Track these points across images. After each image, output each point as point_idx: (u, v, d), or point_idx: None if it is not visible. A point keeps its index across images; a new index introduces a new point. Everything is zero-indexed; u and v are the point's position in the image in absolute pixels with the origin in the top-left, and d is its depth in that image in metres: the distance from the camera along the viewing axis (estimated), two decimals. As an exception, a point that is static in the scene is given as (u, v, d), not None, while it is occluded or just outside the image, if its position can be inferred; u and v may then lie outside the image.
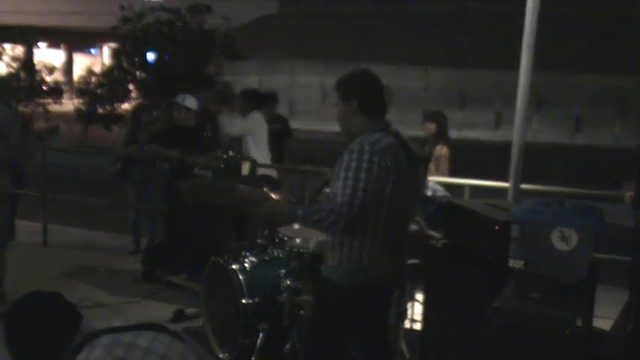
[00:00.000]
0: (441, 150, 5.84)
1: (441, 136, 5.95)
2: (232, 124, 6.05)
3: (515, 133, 4.77)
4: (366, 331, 2.96)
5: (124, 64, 13.97)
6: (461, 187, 5.68)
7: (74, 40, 30.48)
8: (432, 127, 5.96)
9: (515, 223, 2.32)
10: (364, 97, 2.83)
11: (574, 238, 2.17)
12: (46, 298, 2.35)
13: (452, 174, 5.83)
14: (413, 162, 2.86)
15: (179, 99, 5.64)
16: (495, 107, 19.56)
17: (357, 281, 2.77)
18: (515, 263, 2.28)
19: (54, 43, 29.73)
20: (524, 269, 2.25)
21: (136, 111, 6.82)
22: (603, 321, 3.16)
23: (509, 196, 4.76)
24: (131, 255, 6.34)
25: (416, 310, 4.42)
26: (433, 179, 4.37)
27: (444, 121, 6.13)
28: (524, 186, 4.90)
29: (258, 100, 6.25)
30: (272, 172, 6.28)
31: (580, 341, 2.01)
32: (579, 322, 2.00)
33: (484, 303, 2.39)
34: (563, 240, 2.18)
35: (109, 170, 6.52)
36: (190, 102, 5.62)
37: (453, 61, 21.52)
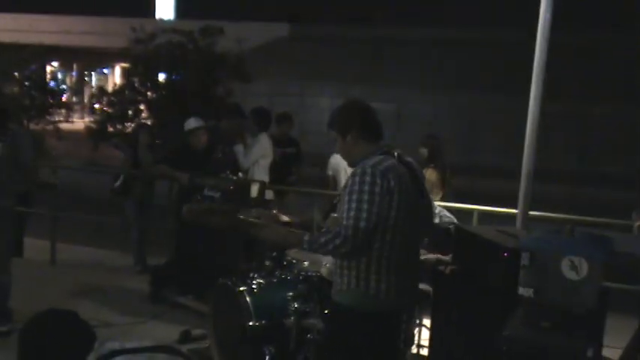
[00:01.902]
0: (430, 174, 5.70)
1: (431, 159, 5.85)
2: (245, 158, 5.90)
3: (524, 160, 4.78)
4: (377, 356, 2.89)
5: (136, 84, 14.09)
6: (470, 212, 5.68)
7: (87, 59, 30.83)
8: (424, 151, 5.89)
9: (526, 251, 2.32)
10: (362, 125, 2.89)
11: (584, 268, 2.16)
12: (61, 317, 2.37)
13: (451, 199, 5.76)
14: (419, 184, 2.86)
15: (186, 125, 5.73)
16: (505, 132, 19.59)
17: (365, 306, 2.76)
18: (524, 291, 2.27)
19: (66, 62, 30.06)
20: (534, 298, 2.25)
21: (135, 130, 6.91)
22: (613, 350, 3.14)
23: (518, 223, 4.76)
24: (138, 274, 6.36)
25: (423, 335, 4.41)
26: (439, 204, 4.36)
27: (435, 144, 6.03)
28: (532, 213, 4.90)
29: (268, 120, 6.24)
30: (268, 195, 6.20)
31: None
32: (590, 353, 1.99)
33: (492, 330, 2.38)
34: (574, 269, 2.18)
35: (110, 187, 6.59)
36: (195, 122, 5.73)
37: (464, 85, 21.61)
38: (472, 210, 5.69)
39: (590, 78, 19.95)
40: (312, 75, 22.62)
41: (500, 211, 5.58)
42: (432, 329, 3.41)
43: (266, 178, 5.95)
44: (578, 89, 19.41)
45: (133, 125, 7.35)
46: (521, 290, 2.29)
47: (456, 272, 3.17)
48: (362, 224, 2.61)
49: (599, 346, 2.39)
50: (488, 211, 5.74)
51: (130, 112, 13.74)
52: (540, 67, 4.67)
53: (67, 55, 27.63)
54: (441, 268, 3.41)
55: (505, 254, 2.61)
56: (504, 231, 3.16)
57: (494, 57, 21.74)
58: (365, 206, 2.62)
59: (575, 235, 2.32)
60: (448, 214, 4.32)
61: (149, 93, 14.04)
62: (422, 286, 3.72)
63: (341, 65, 23.10)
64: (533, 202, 4.74)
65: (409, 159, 2.87)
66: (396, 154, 2.85)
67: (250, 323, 3.93)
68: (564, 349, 2.05)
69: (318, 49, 23.97)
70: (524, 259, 2.30)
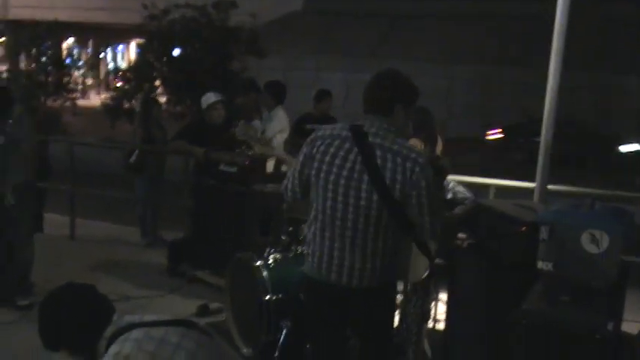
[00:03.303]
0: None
1: (416, 132, 5.72)
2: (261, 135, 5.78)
3: (542, 133, 4.72)
4: (347, 327, 2.95)
5: (151, 60, 14.09)
6: (486, 186, 5.64)
7: (102, 35, 30.80)
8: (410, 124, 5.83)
9: (545, 225, 2.29)
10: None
11: (605, 241, 2.13)
12: (80, 290, 2.40)
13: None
14: (369, 161, 2.65)
15: (203, 100, 5.69)
16: (522, 106, 19.36)
17: (308, 273, 2.83)
18: (543, 265, 2.25)
19: (82, 39, 30.08)
20: (553, 271, 2.23)
21: (144, 105, 6.90)
22: (633, 324, 3.11)
23: (536, 197, 4.71)
24: (146, 248, 6.43)
25: (439, 309, 4.41)
26: (453, 178, 4.30)
27: (419, 117, 5.89)
28: (550, 187, 4.85)
29: (284, 93, 6.15)
30: None
31: (610, 346, 1.98)
32: (610, 327, 1.97)
33: (510, 305, 2.37)
34: (594, 242, 2.15)
35: (124, 163, 6.62)
36: (212, 96, 5.70)
37: (478, 58, 21.32)
38: (488, 184, 5.65)
39: (612, 48, 19.58)
40: (327, 49, 22.42)
41: (517, 186, 5.53)
42: (448, 304, 3.41)
43: (283, 153, 5.93)
44: (599, 60, 19.05)
45: (139, 100, 7.33)
46: (540, 264, 2.27)
47: (473, 246, 3.15)
48: (284, 185, 2.87)
49: (619, 320, 2.38)
50: (505, 185, 5.69)
51: (145, 88, 13.75)
52: (560, 37, 4.59)
53: (83, 32, 27.63)
54: (458, 242, 3.40)
55: (523, 228, 2.58)
56: (522, 205, 3.13)
57: (512, 29, 21.38)
58: (292, 170, 2.84)
59: (595, 208, 2.29)
60: (462, 189, 4.28)
61: (164, 69, 14.04)
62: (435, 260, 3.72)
63: (356, 39, 22.86)
64: (554, 177, 4.69)
65: (374, 138, 2.66)
66: (359, 128, 2.69)
67: (267, 297, 3.96)
68: (583, 323, 2.03)
69: (333, 23, 23.73)
70: (544, 233, 2.28)
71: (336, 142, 2.70)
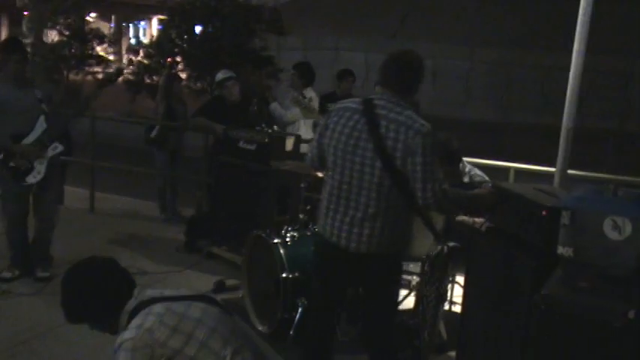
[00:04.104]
0: None
1: None
2: (286, 111, 5.81)
3: (564, 117, 4.66)
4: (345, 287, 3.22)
5: (172, 37, 14.09)
6: (506, 170, 5.59)
7: (124, 11, 30.87)
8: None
9: (567, 210, 2.26)
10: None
11: (628, 228, 2.10)
12: (102, 264, 2.43)
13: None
14: (374, 132, 2.82)
15: (220, 74, 5.73)
16: (544, 89, 19.07)
17: (318, 230, 3.07)
18: (564, 251, 2.22)
19: (104, 14, 30.17)
20: (574, 257, 2.20)
21: (167, 80, 6.94)
22: None
23: (556, 182, 4.67)
24: (169, 224, 6.48)
25: (456, 292, 4.40)
26: (470, 161, 4.27)
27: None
28: (571, 171, 4.80)
29: (312, 75, 6.13)
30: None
31: (632, 334, 1.95)
32: (631, 315, 1.94)
33: (529, 289, 2.35)
34: (616, 229, 2.12)
35: (145, 138, 6.67)
36: (225, 73, 5.74)
37: (500, 40, 21.00)
38: (508, 167, 5.61)
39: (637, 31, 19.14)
40: (348, 29, 22.24)
41: (537, 170, 5.48)
42: (465, 286, 3.39)
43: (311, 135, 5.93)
44: (624, 43, 18.65)
45: (162, 76, 7.41)
46: (560, 250, 2.24)
47: (492, 230, 3.12)
48: (308, 152, 3.15)
49: None
50: (524, 169, 5.64)
51: (166, 64, 13.77)
52: (585, 18, 4.50)
53: (105, 7, 27.69)
54: (476, 225, 3.37)
55: (544, 212, 2.55)
56: (543, 189, 3.09)
57: (534, 10, 20.99)
58: (313, 140, 3.11)
59: (618, 194, 2.25)
60: (479, 172, 4.24)
61: (185, 45, 14.04)
62: (452, 243, 3.71)
63: (376, 20, 22.64)
64: (574, 162, 4.63)
65: (381, 110, 2.84)
66: (369, 101, 2.89)
67: (283, 275, 3.98)
68: (604, 310, 2.01)
69: (354, 2, 23.50)
70: (565, 218, 2.25)
71: (347, 114, 2.91)
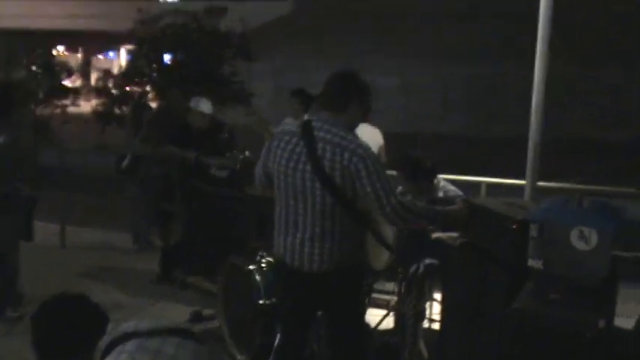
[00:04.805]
0: None
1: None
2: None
3: (531, 129, 4.72)
4: (310, 310, 3.21)
5: (141, 66, 14.07)
6: (477, 184, 5.64)
7: (92, 43, 30.73)
8: None
9: (535, 223, 2.28)
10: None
11: (594, 238, 2.12)
12: (73, 300, 2.37)
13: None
14: (312, 154, 2.88)
15: (193, 103, 5.63)
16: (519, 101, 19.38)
17: (275, 255, 3.14)
18: (534, 263, 2.24)
19: (73, 46, 30.02)
20: (544, 269, 2.22)
21: (136, 109, 6.91)
22: (626, 319, 3.11)
23: (526, 195, 4.72)
24: (138, 254, 6.40)
25: (435, 309, 4.39)
26: (444, 177, 4.32)
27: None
28: (541, 183, 4.85)
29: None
30: None
31: (602, 343, 1.97)
32: (601, 324, 1.96)
33: (503, 304, 2.36)
34: (583, 239, 2.14)
35: (117, 167, 6.60)
36: (205, 106, 5.62)
37: (469, 56, 21.37)
38: (480, 182, 5.65)
39: (602, 37, 19.58)
40: (318, 52, 22.43)
41: (509, 183, 5.54)
42: (442, 303, 3.40)
43: None
44: (592, 50, 19.05)
45: (130, 106, 7.38)
46: (530, 262, 2.26)
47: (466, 245, 3.14)
48: (255, 172, 3.19)
49: (611, 317, 2.36)
50: (497, 182, 5.69)
51: (134, 94, 13.73)
52: (545, 27, 4.58)
53: (73, 39, 27.57)
54: (450, 241, 3.38)
55: (514, 226, 2.57)
56: (512, 203, 3.12)
57: (498, 27, 21.43)
58: (260, 160, 3.17)
59: (584, 204, 2.28)
60: (452, 187, 4.28)
61: (154, 74, 14.01)
62: (428, 260, 3.73)
63: (348, 41, 22.88)
64: (553, 173, 4.69)
65: (319, 132, 2.89)
66: (307, 123, 2.96)
67: (260, 302, 3.94)
68: (575, 321, 2.02)
69: (324, 25, 23.75)
70: (534, 231, 2.27)
71: (287, 137, 2.99)
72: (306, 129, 2.92)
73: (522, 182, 4.87)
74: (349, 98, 2.95)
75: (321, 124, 2.92)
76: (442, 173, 4.63)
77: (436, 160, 4.25)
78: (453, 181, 4.65)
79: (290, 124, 3.16)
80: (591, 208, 2.26)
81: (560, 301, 2.13)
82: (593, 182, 6.14)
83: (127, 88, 14.14)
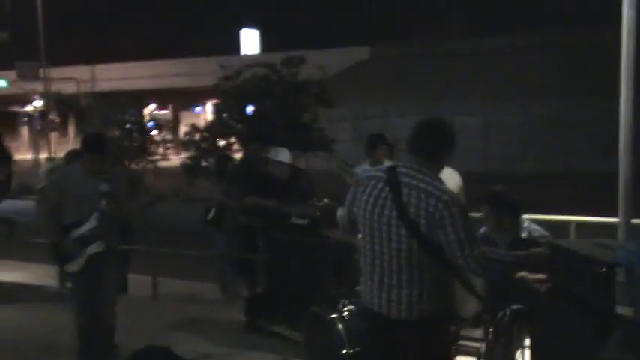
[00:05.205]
0: None
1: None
2: None
3: (620, 164, 4.52)
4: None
5: (225, 119, 14.62)
6: (566, 224, 5.41)
7: (180, 99, 32.31)
8: None
9: (620, 266, 2.16)
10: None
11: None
12: (158, 352, 2.46)
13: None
14: (397, 199, 2.87)
15: (272, 154, 5.79)
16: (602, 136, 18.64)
17: (362, 301, 3.10)
18: (622, 310, 2.11)
19: (162, 103, 31.64)
20: (634, 317, 2.08)
21: (220, 161, 7.11)
22: None
23: (620, 233, 4.48)
24: (226, 304, 6.50)
25: (526, 357, 4.20)
26: (528, 217, 4.17)
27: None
28: (636, 221, 4.60)
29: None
30: None
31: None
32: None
33: (591, 353, 2.23)
34: (676, 283, 2.01)
35: (203, 219, 6.80)
36: (283, 156, 5.75)
37: (551, 91, 20.82)
38: (569, 222, 5.42)
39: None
40: (395, 95, 22.56)
41: (599, 222, 5.28)
42: (531, 351, 3.25)
43: None
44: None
45: (214, 158, 7.63)
46: (619, 309, 2.14)
47: (552, 290, 3.01)
48: (340, 216, 3.22)
49: None
50: (587, 221, 5.44)
51: (221, 146, 14.24)
52: (629, 64, 4.42)
53: (162, 97, 29.09)
54: (537, 285, 3.26)
55: (603, 269, 2.44)
56: (601, 244, 2.97)
57: (578, 59, 20.83)
58: (344, 207, 3.18)
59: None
60: (538, 227, 4.12)
61: (239, 126, 14.52)
62: (515, 306, 3.59)
63: (423, 82, 22.90)
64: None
65: (404, 178, 2.89)
66: (393, 169, 2.96)
67: (344, 351, 3.91)
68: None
69: (400, 68, 23.87)
70: (620, 275, 2.15)
71: (372, 183, 2.99)
72: (392, 174, 2.92)
73: (615, 220, 4.63)
74: (438, 146, 2.95)
75: (407, 170, 2.92)
76: (529, 213, 4.51)
77: (520, 197, 4.13)
78: (540, 222, 4.49)
79: (368, 169, 3.16)
80: (683, 249, 2.12)
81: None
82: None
83: (214, 141, 14.69)
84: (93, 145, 4.79)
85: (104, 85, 27.29)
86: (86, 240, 4.73)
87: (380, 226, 2.91)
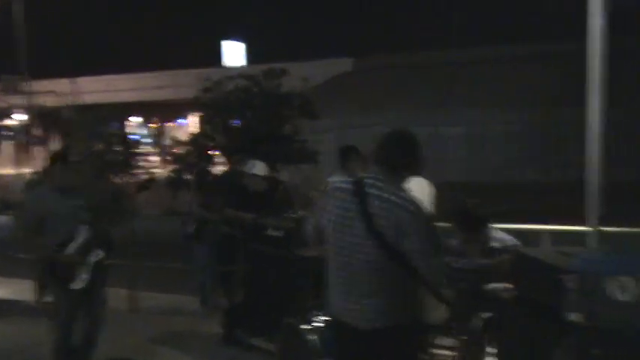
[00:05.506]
0: None
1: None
2: None
3: (590, 173, 4.61)
4: None
5: (208, 132, 14.58)
6: (537, 234, 5.48)
7: (163, 112, 32.27)
8: None
9: (573, 273, 2.21)
10: None
11: (634, 287, 2.04)
12: None
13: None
14: (364, 211, 2.89)
15: (247, 167, 5.82)
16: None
17: (330, 312, 3.13)
18: (574, 317, 2.17)
19: (145, 116, 31.58)
20: (585, 323, 2.14)
21: (199, 174, 7.13)
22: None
23: (589, 241, 4.56)
24: (205, 316, 6.49)
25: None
26: (499, 226, 4.24)
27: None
28: (605, 229, 4.68)
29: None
30: None
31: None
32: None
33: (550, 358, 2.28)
34: (623, 289, 2.06)
35: (182, 232, 6.80)
36: (258, 168, 5.79)
37: (538, 100, 21.00)
38: (540, 230, 5.49)
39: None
40: (379, 106, 22.66)
41: (570, 230, 5.35)
42: (498, 358, 3.30)
43: None
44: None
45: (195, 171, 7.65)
46: (571, 316, 2.19)
47: (517, 298, 3.06)
48: (307, 229, 3.25)
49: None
50: (559, 230, 5.51)
51: (204, 159, 14.19)
52: (596, 74, 4.52)
53: (145, 110, 29.05)
54: (503, 294, 3.31)
55: (559, 277, 2.50)
56: (566, 252, 3.02)
57: (566, 69, 21.04)
58: (311, 219, 3.23)
59: (627, 253, 2.20)
60: (508, 237, 4.19)
61: (221, 138, 14.48)
62: (486, 314, 3.64)
63: (406, 93, 23.04)
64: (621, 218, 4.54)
65: (371, 189, 2.90)
66: (359, 180, 2.96)
67: (317, 362, 3.93)
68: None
69: (382, 79, 24.03)
70: (571, 282, 2.20)
71: (338, 194, 3.00)
72: (359, 186, 2.94)
73: (585, 229, 4.72)
74: (403, 157, 2.99)
75: (373, 180, 2.93)
76: (505, 223, 4.57)
77: (489, 209, 4.20)
78: (514, 231, 4.55)
79: (339, 180, 3.14)
80: (634, 256, 2.17)
81: (601, 356, 2.04)
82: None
83: (197, 153, 14.64)
84: (58, 158, 4.81)
85: (86, 98, 27.17)
86: (85, 251, 4.71)
87: (348, 237, 2.92)
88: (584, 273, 2.16)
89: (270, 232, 5.34)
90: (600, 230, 4.54)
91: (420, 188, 5.32)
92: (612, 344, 2.07)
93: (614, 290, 2.08)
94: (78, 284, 4.68)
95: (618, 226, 5.11)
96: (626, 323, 2.06)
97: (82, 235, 4.69)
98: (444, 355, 4.26)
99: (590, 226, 4.56)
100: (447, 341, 4.18)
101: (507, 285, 3.47)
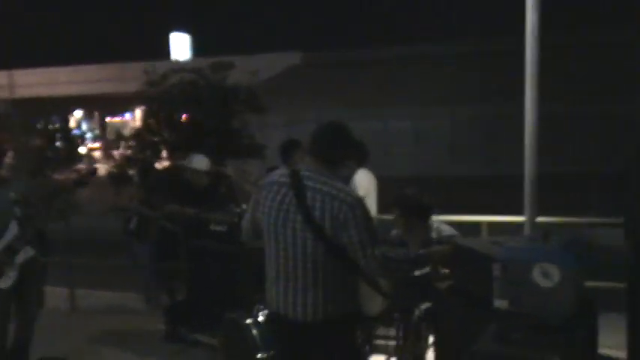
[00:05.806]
0: None
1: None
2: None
3: (526, 165, 4.73)
4: None
5: (152, 126, 14.30)
6: (477, 224, 5.61)
7: (107, 106, 31.51)
8: None
9: (497, 262, 2.27)
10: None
11: (556, 274, 2.11)
12: None
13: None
14: (301, 202, 2.89)
15: (187, 162, 5.75)
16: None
17: (268, 306, 3.14)
18: (499, 303, 2.23)
19: (88, 111, 30.80)
20: (509, 309, 2.20)
21: (141, 171, 7.03)
22: (609, 350, 3.04)
23: (526, 231, 4.68)
24: (148, 314, 6.41)
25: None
26: (438, 218, 4.31)
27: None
28: (540, 219, 4.82)
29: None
30: None
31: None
32: (557, 363, 1.93)
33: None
34: (546, 277, 2.13)
35: (124, 229, 6.69)
36: (198, 163, 5.72)
37: (480, 96, 21.46)
38: (480, 222, 5.63)
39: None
40: (328, 101, 22.74)
41: (507, 221, 5.50)
42: (435, 348, 3.37)
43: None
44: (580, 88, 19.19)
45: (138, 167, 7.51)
46: (496, 302, 2.25)
47: (452, 288, 3.13)
48: (242, 225, 3.22)
49: (592, 349, 2.32)
50: (497, 221, 5.66)
51: (148, 154, 13.93)
52: (532, 68, 4.64)
53: (88, 104, 28.32)
54: (439, 284, 3.37)
55: (484, 265, 2.56)
56: (499, 242, 3.10)
57: (501, 67, 21.60)
58: (247, 214, 3.19)
59: (549, 241, 2.27)
60: (447, 227, 4.26)
61: (165, 133, 14.24)
62: (425, 305, 3.70)
63: (355, 87, 23.19)
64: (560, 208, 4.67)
65: (307, 181, 2.89)
66: (296, 173, 2.95)
67: (259, 356, 3.93)
68: (532, 360, 1.99)
69: (331, 74, 24.12)
70: (496, 270, 2.26)
71: (275, 187, 2.98)
72: (296, 178, 2.92)
73: (521, 219, 4.84)
74: (338, 149, 2.99)
75: (309, 173, 2.92)
76: (446, 215, 4.64)
77: (433, 199, 4.25)
78: (454, 223, 4.63)
79: (276, 173, 3.11)
80: (555, 244, 2.25)
81: (521, 340, 2.10)
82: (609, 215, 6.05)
83: (141, 148, 14.36)
84: None
85: (23, 92, 26.27)
86: (13, 249, 4.56)
87: (285, 230, 2.91)
88: (510, 261, 2.22)
89: (213, 227, 5.29)
90: (535, 221, 4.67)
91: (363, 179, 5.39)
92: (534, 330, 2.13)
93: (538, 277, 2.14)
94: (4, 283, 4.55)
95: (554, 216, 5.28)
96: (547, 309, 2.13)
97: (11, 233, 4.55)
98: (385, 346, 4.33)
99: (526, 217, 4.67)
100: (388, 331, 4.26)
101: (444, 274, 3.54)
